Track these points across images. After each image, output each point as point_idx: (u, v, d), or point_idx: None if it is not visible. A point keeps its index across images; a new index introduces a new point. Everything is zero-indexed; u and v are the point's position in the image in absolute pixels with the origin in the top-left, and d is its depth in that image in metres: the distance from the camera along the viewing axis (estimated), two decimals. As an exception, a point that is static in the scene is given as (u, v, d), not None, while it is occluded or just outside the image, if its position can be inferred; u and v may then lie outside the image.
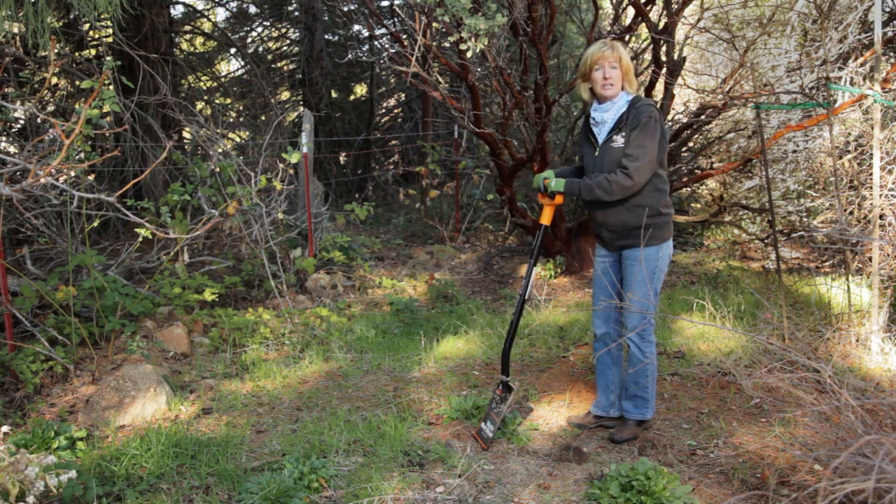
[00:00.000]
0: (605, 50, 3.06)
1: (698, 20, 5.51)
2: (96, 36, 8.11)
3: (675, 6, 5.50)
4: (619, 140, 3.04)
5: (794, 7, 5.52)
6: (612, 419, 3.39)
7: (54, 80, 6.93)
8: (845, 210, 4.40)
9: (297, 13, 12.11)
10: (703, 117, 5.85)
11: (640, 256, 3.07)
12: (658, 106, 3.07)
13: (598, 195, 3.03)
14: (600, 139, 3.13)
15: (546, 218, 3.29)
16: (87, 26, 7.32)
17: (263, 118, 9.88)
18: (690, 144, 7.12)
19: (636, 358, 3.16)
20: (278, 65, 12.76)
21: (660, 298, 3.16)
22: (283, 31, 12.73)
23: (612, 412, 3.38)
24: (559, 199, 3.22)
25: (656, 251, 3.10)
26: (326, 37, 11.87)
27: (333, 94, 12.45)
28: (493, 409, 3.24)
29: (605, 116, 3.11)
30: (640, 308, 3.06)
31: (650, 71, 6.12)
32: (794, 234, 6.34)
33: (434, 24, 5.43)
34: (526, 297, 3.30)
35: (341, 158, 11.99)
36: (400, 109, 13.67)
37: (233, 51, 11.58)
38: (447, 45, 6.41)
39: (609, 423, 3.39)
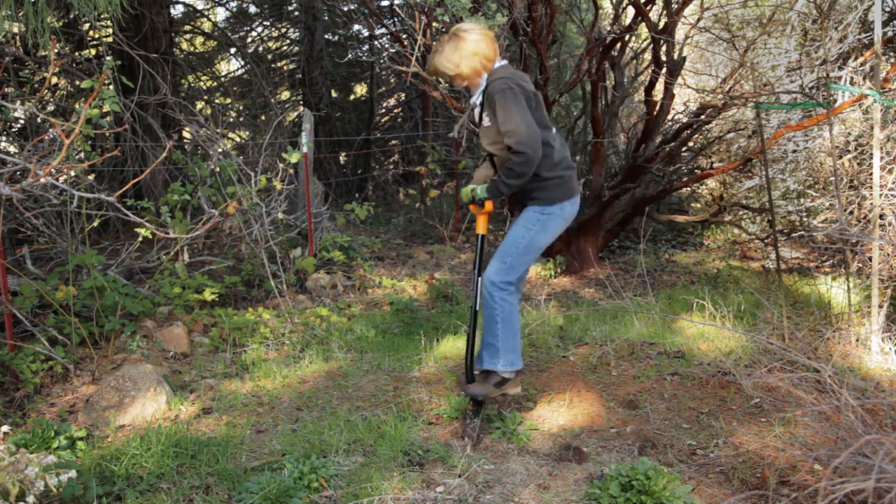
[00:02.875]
0: (429, 64, 3.21)
1: (698, 20, 5.52)
2: (96, 36, 8.12)
3: (675, 6, 5.51)
4: (486, 120, 3.14)
5: (794, 7, 5.52)
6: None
7: (54, 80, 6.94)
8: (845, 210, 4.40)
9: (297, 13, 12.11)
10: (703, 117, 5.85)
11: (526, 211, 3.19)
12: (510, 74, 3.09)
13: (513, 184, 3.05)
14: (477, 119, 3.26)
15: (482, 227, 3.34)
16: (87, 26, 7.32)
17: (263, 118, 9.89)
18: (690, 144, 7.13)
19: (486, 302, 3.14)
20: (278, 65, 12.77)
21: (526, 260, 3.19)
22: (283, 30, 12.74)
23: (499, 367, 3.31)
24: (489, 206, 3.26)
25: (538, 212, 3.15)
26: (326, 37, 11.87)
27: (333, 94, 12.46)
28: (468, 424, 3.24)
29: (475, 100, 3.23)
30: (501, 254, 3.13)
31: (650, 71, 6.13)
32: (794, 234, 6.34)
33: (434, 24, 5.43)
34: (477, 309, 3.28)
35: (341, 158, 12.00)
36: (400, 109, 13.67)
37: (233, 51, 11.59)
38: (447, 44, 6.40)
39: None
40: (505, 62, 3.18)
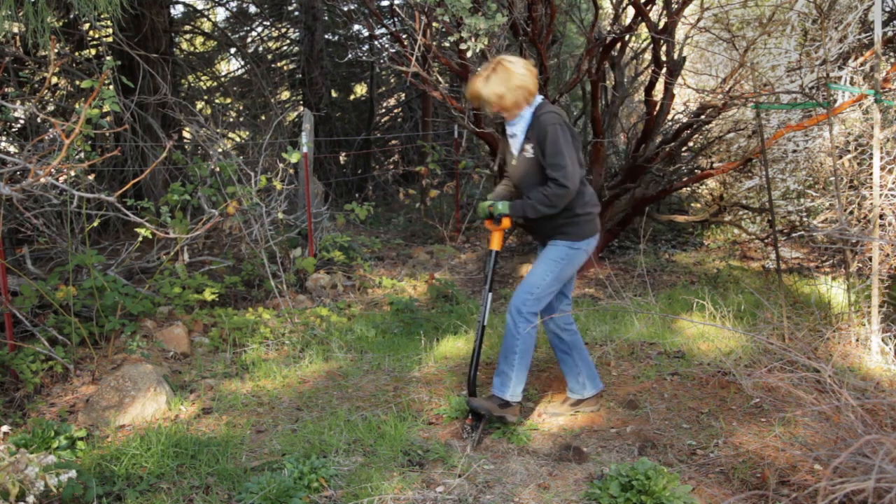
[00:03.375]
0: (472, 90, 3.19)
1: (698, 20, 5.51)
2: (96, 36, 8.12)
3: (675, 6, 5.51)
4: (529, 150, 3.16)
5: (794, 7, 5.52)
6: (589, 399, 3.49)
7: (54, 80, 6.93)
8: (845, 210, 4.40)
9: (297, 13, 12.11)
10: (703, 117, 5.85)
11: (553, 245, 3.24)
12: (559, 111, 3.17)
13: (542, 211, 3.12)
14: (515, 151, 3.27)
15: (496, 243, 3.37)
16: (87, 26, 7.32)
17: (263, 118, 9.89)
18: (690, 144, 7.13)
19: (508, 330, 3.20)
20: (278, 65, 12.77)
21: (551, 291, 3.26)
22: (283, 30, 12.74)
23: (586, 393, 3.48)
24: (506, 223, 3.30)
25: (567, 246, 3.21)
26: (326, 37, 11.87)
27: (333, 94, 12.46)
28: (464, 438, 3.24)
29: (515, 130, 3.24)
30: (529, 286, 3.18)
31: (650, 71, 6.13)
32: (794, 234, 6.34)
33: (434, 24, 5.43)
34: (485, 324, 3.34)
35: (341, 158, 12.00)
36: (400, 109, 13.67)
37: (233, 51, 11.59)
38: (447, 44, 6.41)
39: (588, 407, 3.51)
40: (542, 97, 3.24)
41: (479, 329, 3.33)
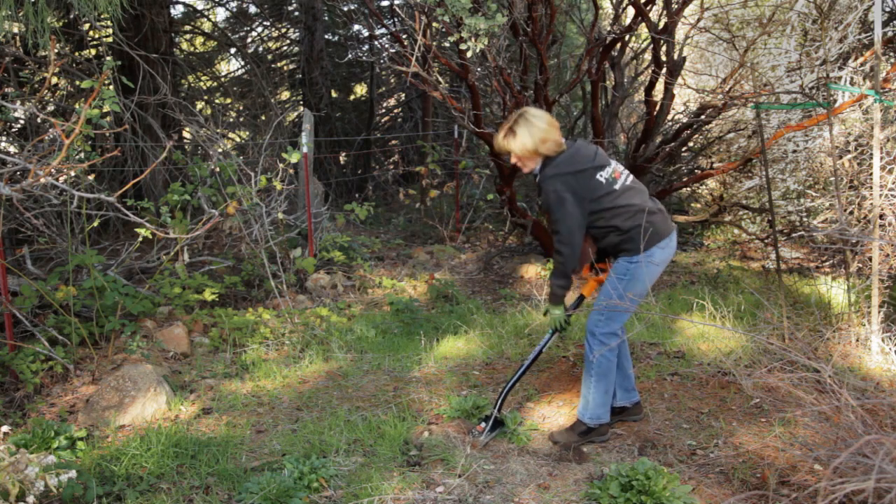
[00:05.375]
0: (499, 144, 3.17)
1: (698, 20, 5.52)
2: (96, 36, 8.12)
3: (675, 6, 5.51)
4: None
5: (794, 7, 5.53)
6: (630, 408, 3.39)
7: (54, 80, 6.93)
8: (845, 210, 4.40)
9: (297, 13, 12.10)
10: (703, 117, 5.85)
11: (616, 262, 3.23)
12: (558, 167, 3.08)
13: (562, 283, 3.14)
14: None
15: (587, 291, 3.43)
16: (87, 26, 7.32)
17: (263, 118, 9.88)
18: (690, 144, 7.13)
19: (586, 353, 3.18)
20: (278, 65, 12.76)
21: (624, 310, 3.21)
22: (283, 31, 12.73)
23: (626, 401, 3.39)
24: (603, 277, 3.32)
25: (626, 261, 3.16)
26: (326, 37, 11.87)
27: (333, 94, 12.45)
28: (470, 438, 3.25)
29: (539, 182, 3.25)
30: (599, 308, 3.16)
31: (650, 71, 6.13)
32: (794, 234, 6.34)
33: (434, 24, 5.43)
34: (543, 350, 3.36)
35: (341, 158, 11.99)
36: (400, 109, 13.67)
37: (233, 51, 11.59)
38: (447, 45, 6.41)
39: (629, 417, 3.40)
40: (563, 149, 3.13)
41: (536, 353, 3.33)
